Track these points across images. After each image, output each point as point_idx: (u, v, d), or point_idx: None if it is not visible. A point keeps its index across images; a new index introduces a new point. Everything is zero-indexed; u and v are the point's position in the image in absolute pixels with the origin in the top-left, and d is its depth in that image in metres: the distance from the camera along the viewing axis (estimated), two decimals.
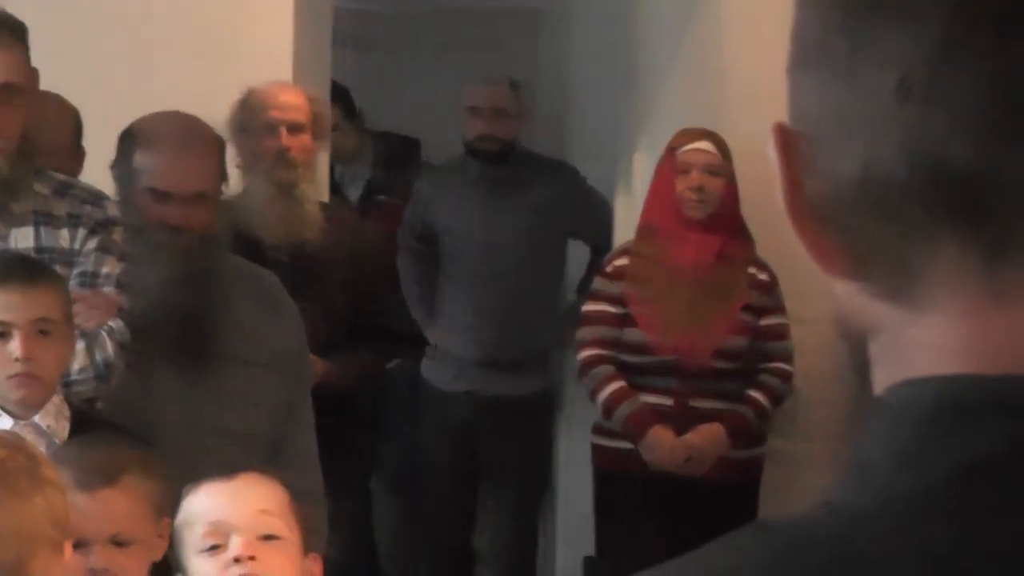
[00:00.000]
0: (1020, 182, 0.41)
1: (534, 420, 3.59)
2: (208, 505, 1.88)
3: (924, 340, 0.44)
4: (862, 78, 0.43)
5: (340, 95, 3.86)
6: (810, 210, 0.45)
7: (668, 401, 2.91)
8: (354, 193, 4.08)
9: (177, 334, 2.23)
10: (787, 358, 2.95)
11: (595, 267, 3.28)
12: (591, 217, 3.57)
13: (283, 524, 1.89)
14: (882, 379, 0.46)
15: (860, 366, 0.48)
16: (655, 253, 2.93)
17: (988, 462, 0.42)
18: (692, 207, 2.86)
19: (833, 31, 0.44)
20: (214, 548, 1.83)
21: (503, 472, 3.54)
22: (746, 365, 2.93)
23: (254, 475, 1.95)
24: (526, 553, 3.66)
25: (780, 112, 0.50)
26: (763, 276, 2.94)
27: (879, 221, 0.43)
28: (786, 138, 0.46)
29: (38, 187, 2.20)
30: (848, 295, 0.47)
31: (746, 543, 0.46)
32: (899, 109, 0.41)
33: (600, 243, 3.46)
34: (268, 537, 1.85)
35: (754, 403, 2.91)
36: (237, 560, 1.80)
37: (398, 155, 4.28)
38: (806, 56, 0.45)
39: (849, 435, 0.48)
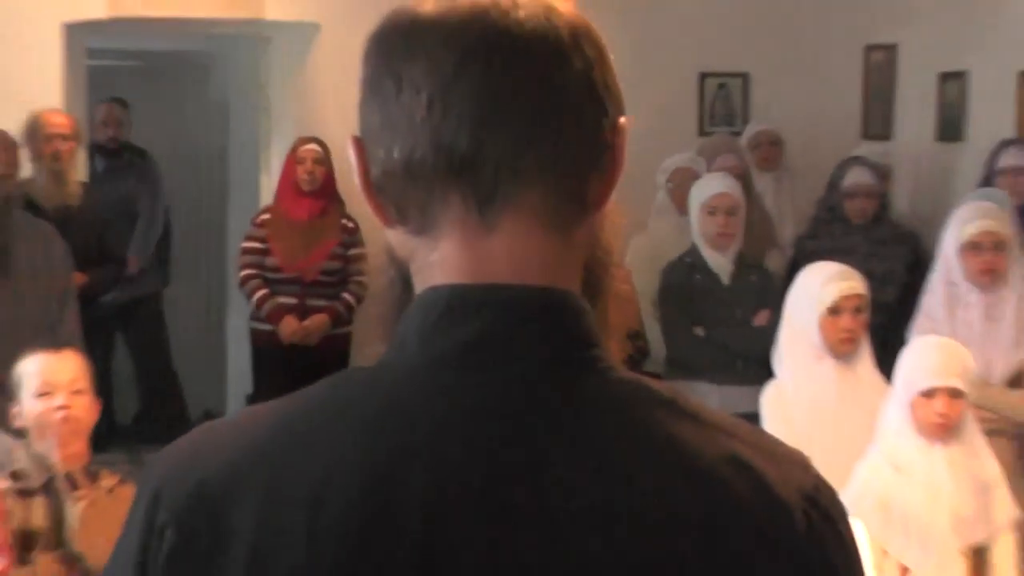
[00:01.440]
0: (498, 155, 0.63)
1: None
2: (42, 367, 2.53)
3: (440, 261, 0.65)
4: (404, 101, 0.64)
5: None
6: (372, 185, 0.67)
7: (293, 301, 4.69)
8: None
9: None
10: (365, 275, 4.85)
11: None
12: None
13: (86, 383, 2.57)
14: (417, 287, 0.67)
15: (405, 280, 0.70)
16: (283, 211, 4.76)
17: (478, 339, 0.64)
18: (305, 183, 4.69)
19: (383, 73, 0.66)
20: (45, 395, 2.48)
21: None
22: (340, 278, 4.80)
23: (69, 351, 2.69)
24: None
25: None
26: (351, 224, 4.78)
27: (414, 187, 0.65)
28: (358, 144, 0.68)
29: None
30: (395, 236, 0.68)
31: (322, 389, 0.68)
32: (428, 117, 0.63)
33: None
34: (78, 392, 2.54)
35: (345, 302, 4.77)
36: (62, 407, 2.45)
37: None
38: (369, 93, 0.67)
39: (396, 322, 0.68)
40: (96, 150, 5.33)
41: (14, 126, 4.21)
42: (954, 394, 2.57)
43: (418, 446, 0.64)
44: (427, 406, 0.65)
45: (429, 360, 0.66)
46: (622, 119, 0.70)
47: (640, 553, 0.64)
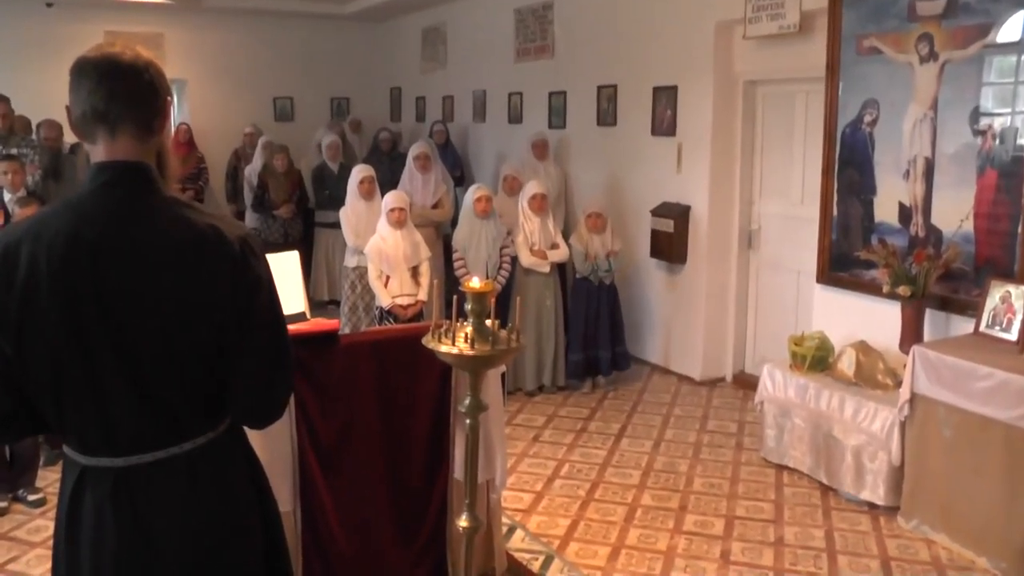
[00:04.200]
0: (115, 112, 1.96)
1: None
2: None
3: (98, 152, 1.97)
4: (82, 93, 1.95)
5: None
6: (74, 125, 1.99)
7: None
8: None
9: None
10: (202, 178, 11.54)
11: None
12: None
13: None
14: (92, 162, 1.99)
15: (88, 160, 2.04)
16: None
17: (107, 180, 1.95)
18: (183, 136, 11.37)
19: (74, 82, 1.96)
20: None
21: None
22: (197, 177, 11.47)
23: None
24: None
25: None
26: (200, 154, 11.46)
27: (87, 125, 1.97)
28: (69, 109, 1.99)
29: None
30: (86, 145, 2.01)
31: (66, 199, 2.00)
32: (88, 99, 1.95)
33: None
34: None
35: (199, 188, 11.40)
36: None
37: None
38: (71, 90, 1.96)
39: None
40: None
41: None
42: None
43: (84, 220, 1.90)
44: (88, 206, 1.91)
45: (91, 189, 1.93)
46: (168, 98, 2.01)
47: (172, 260, 1.90)
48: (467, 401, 3.40)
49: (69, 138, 8.38)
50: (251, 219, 9.97)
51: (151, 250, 1.90)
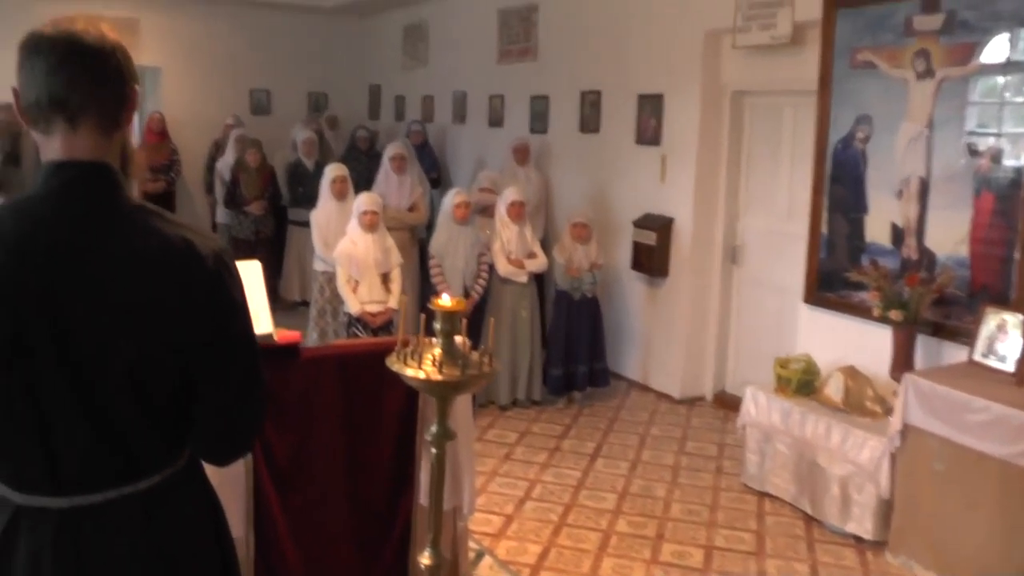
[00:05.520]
0: (77, 100, 1.65)
1: None
2: None
3: (53, 148, 1.68)
4: (36, 74, 1.65)
5: None
6: (22, 111, 1.68)
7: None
8: None
9: None
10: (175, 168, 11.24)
11: None
12: None
13: None
14: (43, 159, 1.69)
15: (38, 155, 1.68)
16: (146, 144, 11.07)
17: (64, 183, 1.67)
18: (156, 126, 11.06)
19: (25, 61, 1.66)
20: None
21: None
22: (169, 169, 11.15)
23: None
24: None
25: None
26: (174, 146, 11.17)
27: (39, 112, 1.67)
28: (16, 92, 1.68)
29: None
30: (35, 135, 1.69)
31: (16, 200, 1.67)
32: (44, 81, 1.65)
33: None
34: None
35: (171, 179, 11.10)
36: None
37: None
38: (20, 70, 1.67)
39: (36, 175, 1.62)
40: None
41: None
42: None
43: (37, 227, 1.63)
44: (40, 212, 1.64)
45: (45, 192, 1.65)
46: (136, 86, 1.73)
47: (138, 277, 1.64)
48: (433, 428, 3.15)
49: None
50: (222, 214, 9.68)
51: (112, 262, 1.64)
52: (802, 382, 5.21)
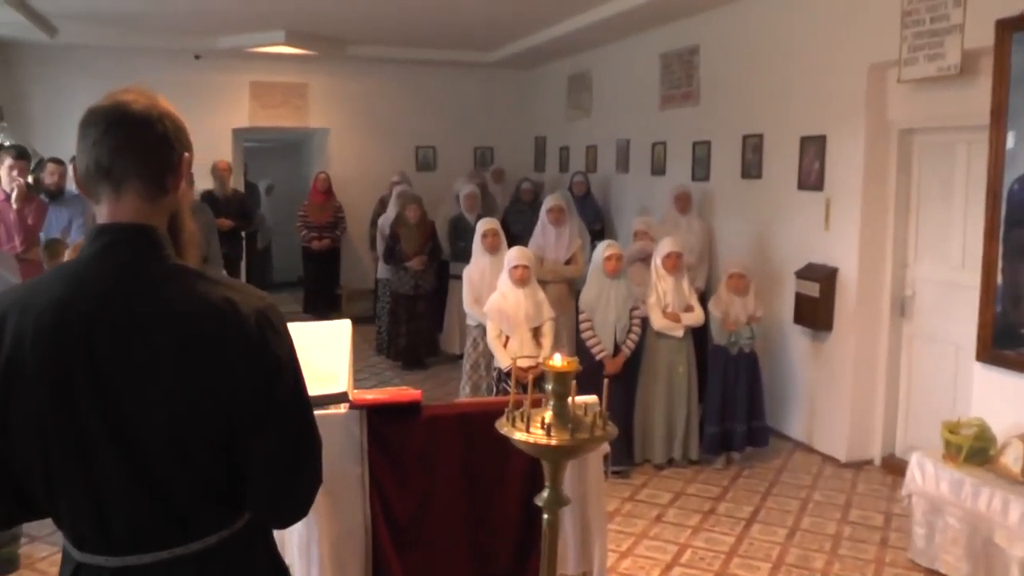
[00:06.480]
0: (121, 167, 1.72)
1: None
2: None
3: (101, 214, 1.72)
4: (87, 144, 1.71)
5: None
6: (79, 180, 1.76)
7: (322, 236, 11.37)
8: None
9: None
10: (341, 225, 11.57)
11: None
12: None
13: None
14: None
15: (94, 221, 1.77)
16: (312, 202, 11.48)
17: (106, 244, 1.70)
18: (322, 185, 11.43)
19: (81, 132, 1.71)
20: None
21: None
22: (336, 225, 11.52)
23: None
24: None
25: None
26: (338, 203, 11.51)
27: (91, 181, 1.72)
28: (75, 162, 1.96)
29: None
30: (91, 203, 1.77)
31: (58, 267, 1.77)
32: (91, 151, 1.70)
33: None
34: None
35: (338, 236, 11.45)
36: None
37: None
38: (78, 141, 1.72)
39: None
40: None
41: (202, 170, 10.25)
42: None
43: (78, 290, 1.64)
44: (84, 274, 1.67)
45: (88, 255, 1.68)
46: (187, 154, 1.75)
47: (179, 338, 1.62)
48: (544, 494, 2.98)
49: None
50: (383, 270, 9.85)
51: (154, 324, 1.64)
52: (974, 449, 4.72)
